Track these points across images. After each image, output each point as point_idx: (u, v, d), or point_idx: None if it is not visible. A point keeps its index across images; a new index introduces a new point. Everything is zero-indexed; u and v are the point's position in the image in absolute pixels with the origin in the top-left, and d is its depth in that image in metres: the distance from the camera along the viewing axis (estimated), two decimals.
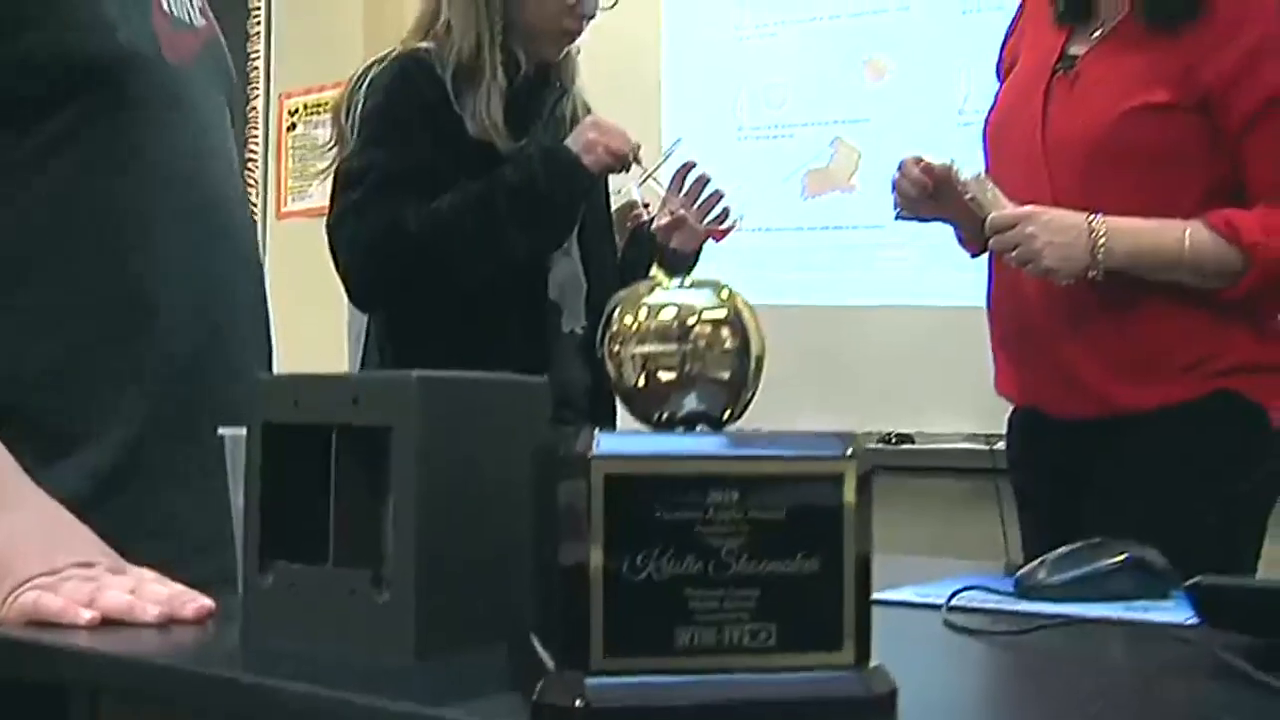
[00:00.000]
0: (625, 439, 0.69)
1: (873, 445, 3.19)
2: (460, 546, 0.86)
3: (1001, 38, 2.07)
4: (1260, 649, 0.83)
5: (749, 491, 0.69)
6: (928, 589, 1.15)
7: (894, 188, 1.92)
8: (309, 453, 0.89)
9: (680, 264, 2.15)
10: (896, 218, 1.95)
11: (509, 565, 0.83)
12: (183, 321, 1.27)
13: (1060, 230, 1.74)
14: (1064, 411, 1.85)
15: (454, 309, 2.02)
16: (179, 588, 1.04)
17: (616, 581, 0.69)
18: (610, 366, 0.75)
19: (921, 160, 1.89)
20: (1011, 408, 1.98)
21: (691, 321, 0.73)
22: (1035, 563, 1.16)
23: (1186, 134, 1.75)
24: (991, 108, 2.00)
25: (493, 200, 1.97)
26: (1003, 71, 2.05)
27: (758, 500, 0.69)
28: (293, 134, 4.36)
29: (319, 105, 4.14)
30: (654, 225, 2.16)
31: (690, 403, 0.73)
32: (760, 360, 0.75)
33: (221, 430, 1.07)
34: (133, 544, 1.10)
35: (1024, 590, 1.13)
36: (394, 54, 2.32)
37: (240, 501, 1.00)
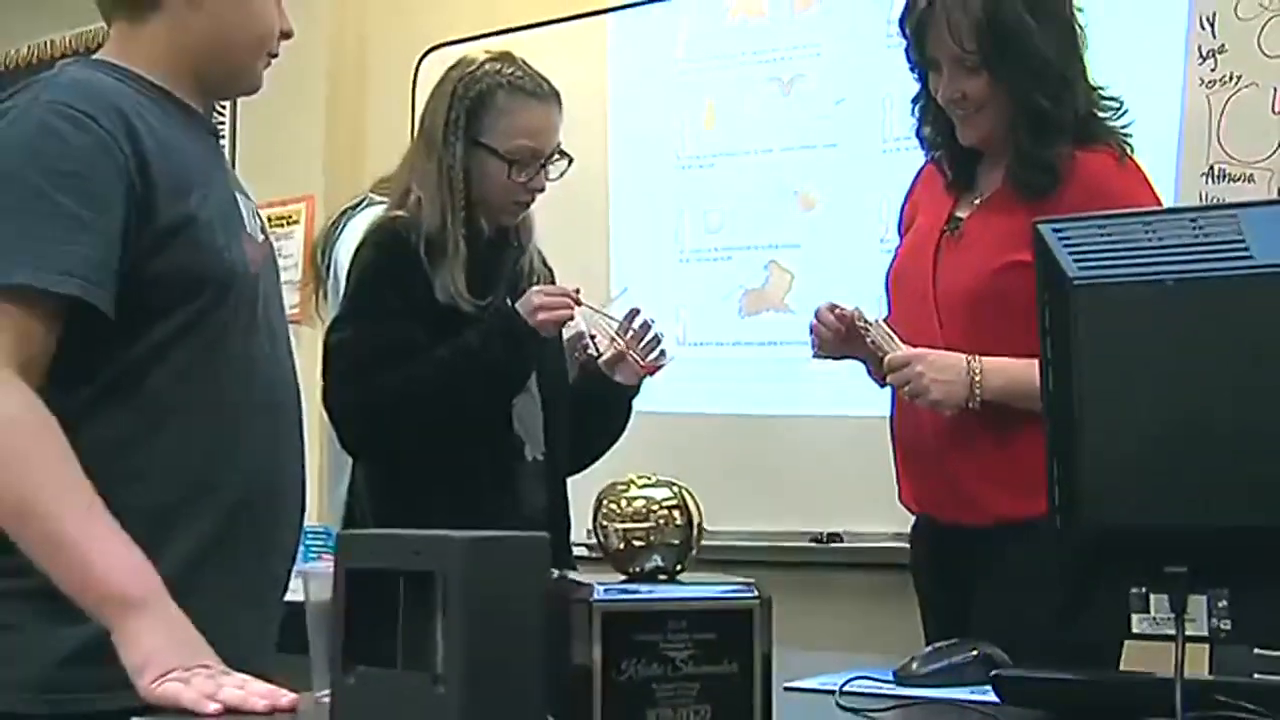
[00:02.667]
0: (614, 589, 1.08)
1: (805, 544, 3.40)
2: (494, 654, 1.18)
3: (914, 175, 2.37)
4: None
5: (693, 621, 1.09)
6: (830, 678, 1.51)
7: (811, 331, 2.22)
8: (381, 587, 1.23)
9: (625, 392, 2.48)
10: (814, 356, 2.26)
11: (529, 668, 1.18)
12: (243, 480, 1.58)
13: (944, 369, 2.06)
14: (952, 520, 2.15)
15: (431, 442, 2.30)
16: (270, 685, 1.34)
17: (609, 681, 1.08)
18: (599, 536, 1.13)
19: (836, 307, 2.19)
20: (914, 517, 2.31)
21: (655, 508, 1.12)
22: (910, 657, 1.53)
23: None
24: (892, 261, 2.31)
25: (457, 369, 2.25)
26: (903, 228, 2.36)
27: (699, 626, 1.09)
28: None
29: (282, 219, 4.26)
30: (600, 360, 2.46)
31: (654, 560, 1.12)
32: (700, 528, 1.13)
33: (299, 568, 1.41)
34: None
35: (901, 679, 1.50)
36: (364, 201, 2.68)
37: (316, 622, 1.35)
